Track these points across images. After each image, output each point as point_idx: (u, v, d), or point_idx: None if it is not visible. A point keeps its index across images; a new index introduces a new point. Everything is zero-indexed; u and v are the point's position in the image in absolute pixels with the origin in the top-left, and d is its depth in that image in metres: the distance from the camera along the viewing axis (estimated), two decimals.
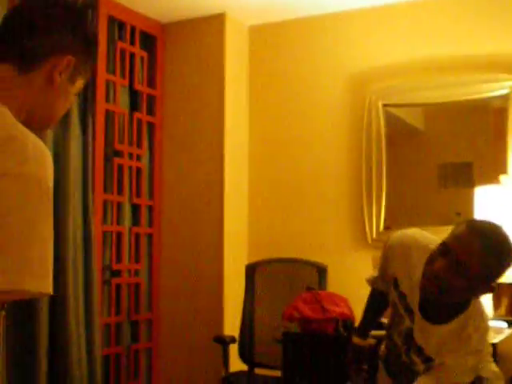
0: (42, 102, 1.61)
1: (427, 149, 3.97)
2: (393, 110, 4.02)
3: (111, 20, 3.98)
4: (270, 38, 4.35)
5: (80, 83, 1.68)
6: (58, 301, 3.50)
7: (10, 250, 1.35)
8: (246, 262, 4.05)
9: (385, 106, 3.97)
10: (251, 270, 3.92)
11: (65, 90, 1.64)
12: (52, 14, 1.61)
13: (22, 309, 3.37)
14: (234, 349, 3.76)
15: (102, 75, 3.88)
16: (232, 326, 3.99)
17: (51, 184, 1.43)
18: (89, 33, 1.67)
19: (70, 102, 1.69)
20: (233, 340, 3.75)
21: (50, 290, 1.43)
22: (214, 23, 4.20)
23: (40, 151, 1.42)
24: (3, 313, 1.65)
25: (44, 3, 1.64)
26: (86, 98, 3.80)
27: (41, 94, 1.60)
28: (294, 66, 4.26)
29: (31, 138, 1.42)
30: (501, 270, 2.22)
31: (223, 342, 3.72)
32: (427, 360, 2.39)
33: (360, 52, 4.06)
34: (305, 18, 4.23)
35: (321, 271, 3.77)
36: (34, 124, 1.61)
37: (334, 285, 3.72)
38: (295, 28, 4.27)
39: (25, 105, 1.58)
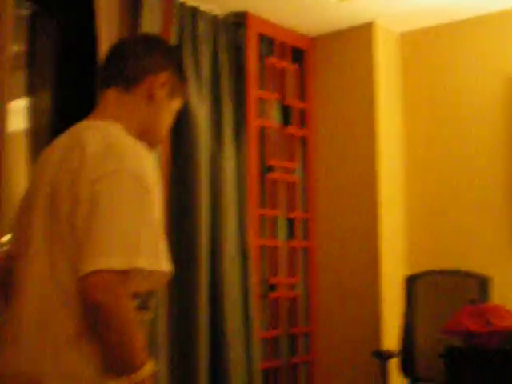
0: (146, 117, 1.79)
1: None
2: None
3: (260, 37, 4.04)
4: (422, 44, 4.24)
5: (179, 100, 1.87)
6: (216, 314, 3.55)
7: (119, 235, 1.50)
8: (404, 274, 3.94)
9: None
10: (411, 282, 3.80)
11: (166, 105, 1.83)
12: (149, 41, 1.87)
13: (182, 322, 3.45)
14: (392, 364, 3.66)
15: (254, 91, 3.93)
16: (390, 339, 3.88)
17: (149, 179, 1.60)
18: (181, 61, 1.91)
19: (172, 117, 1.88)
20: (392, 355, 3.65)
21: (164, 267, 1.56)
22: (364, 32, 4.15)
23: (136, 152, 1.62)
24: (149, 314, 1.70)
25: (133, 38, 2.02)
26: (239, 115, 3.86)
27: (144, 110, 1.78)
28: (450, 72, 4.13)
29: (130, 143, 1.63)
30: None
31: (382, 356, 3.63)
32: None
33: None
34: (459, 21, 4.08)
35: (483, 283, 3.59)
36: (145, 138, 1.78)
37: (497, 297, 3.54)
38: (449, 32, 4.14)
39: (131, 120, 1.76)
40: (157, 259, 1.54)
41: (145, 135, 1.78)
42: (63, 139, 1.71)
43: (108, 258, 1.48)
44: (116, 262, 1.48)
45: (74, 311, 1.51)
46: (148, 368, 1.53)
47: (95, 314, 1.47)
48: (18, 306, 1.58)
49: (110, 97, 1.77)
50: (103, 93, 1.80)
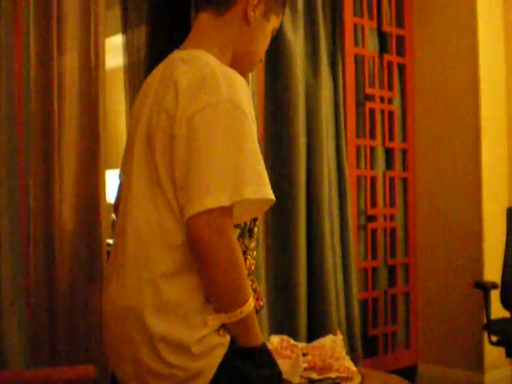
0: (241, 39, 1.74)
1: None
2: None
3: None
4: None
5: (274, 21, 1.80)
6: (315, 244, 3.57)
7: (221, 169, 1.49)
8: (507, 205, 3.83)
9: None
10: None
11: (261, 26, 1.76)
12: None
13: (282, 251, 3.50)
14: (495, 295, 3.60)
15: (350, 18, 3.84)
16: (493, 271, 3.81)
17: (246, 107, 1.56)
18: None
19: (268, 39, 1.80)
20: (494, 286, 3.58)
21: (268, 194, 1.54)
22: None
23: (231, 81, 1.57)
24: (253, 241, 1.72)
25: None
26: (335, 43, 3.80)
27: (239, 32, 1.73)
28: None
29: (222, 71, 1.58)
30: None
31: (484, 287, 3.58)
32: None
33: None
34: None
35: None
36: (240, 62, 1.76)
37: None
38: None
39: (226, 45, 1.73)
40: (261, 186, 1.53)
41: (240, 59, 1.77)
42: (157, 74, 1.69)
43: (214, 196, 1.48)
44: (223, 199, 1.48)
45: (172, 249, 1.54)
46: (250, 305, 1.55)
47: (204, 253, 1.49)
48: (121, 245, 1.63)
49: (203, 22, 1.74)
50: (196, 18, 1.77)
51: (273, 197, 1.55)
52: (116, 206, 1.83)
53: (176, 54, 1.70)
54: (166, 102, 1.57)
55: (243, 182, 1.50)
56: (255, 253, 1.79)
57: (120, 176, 1.82)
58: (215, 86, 1.54)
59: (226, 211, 1.50)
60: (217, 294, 1.53)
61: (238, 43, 1.75)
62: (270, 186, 1.55)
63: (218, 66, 1.59)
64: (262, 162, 1.56)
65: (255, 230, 1.77)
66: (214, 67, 1.58)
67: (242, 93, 1.58)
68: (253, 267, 1.76)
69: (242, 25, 1.74)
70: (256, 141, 1.57)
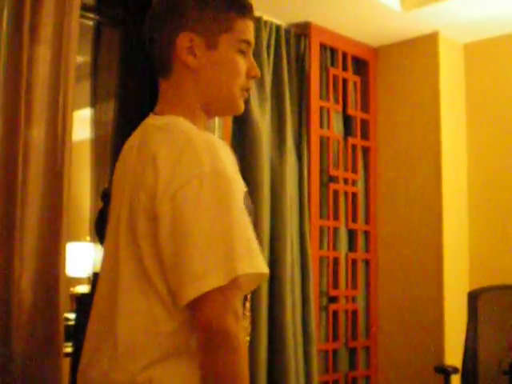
0: (203, 86, 1.60)
1: None
2: None
3: (323, 47, 4.03)
4: (487, 54, 4.16)
5: (238, 28, 1.60)
6: (276, 324, 3.54)
7: (211, 248, 1.40)
8: (468, 289, 3.85)
9: None
10: (474, 298, 3.71)
11: (213, 57, 1.59)
12: (163, 15, 1.63)
13: None
14: (455, 380, 3.57)
15: (316, 101, 3.92)
16: (454, 355, 3.80)
17: (228, 170, 1.45)
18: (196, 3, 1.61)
19: (236, 58, 1.62)
20: (455, 370, 3.56)
21: (262, 268, 1.46)
22: (427, 43, 4.09)
23: (209, 147, 1.46)
24: (246, 320, 1.66)
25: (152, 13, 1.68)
26: (301, 124, 3.86)
27: (194, 83, 1.59)
28: None
29: (199, 139, 1.47)
30: None
31: (445, 371, 3.55)
32: None
33: None
34: None
35: None
36: (222, 104, 1.64)
37: None
38: None
39: (190, 102, 1.61)
40: (254, 260, 1.44)
41: (219, 102, 1.64)
42: (136, 141, 1.60)
43: (207, 279, 1.39)
44: (217, 279, 1.39)
45: (160, 335, 1.47)
46: None
47: (212, 337, 1.41)
48: (105, 332, 1.54)
49: (162, 88, 1.65)
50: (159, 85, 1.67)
51: (266, 270, 1.47)
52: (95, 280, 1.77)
53: (150, 120, 1.62)
54: (144, 180, 1.47)
55: (235, 258, 1.41)
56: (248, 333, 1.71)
57: (104, 248, 1.73)
58: (195, 158, 1.44)
59: (224, 291, 1.40)
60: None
61: (202, 92, 1.62)
62: (262, 258, 1.47)
63: (195, 135, 1.48)
64: (250, 230, 1.48)
65: (247, 305, 1.69)
66: (192, 136, 1.48)
67: (224, 158, 1.47)
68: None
69: (191, 73, 1.60)
70: (242, 208, 1.48)
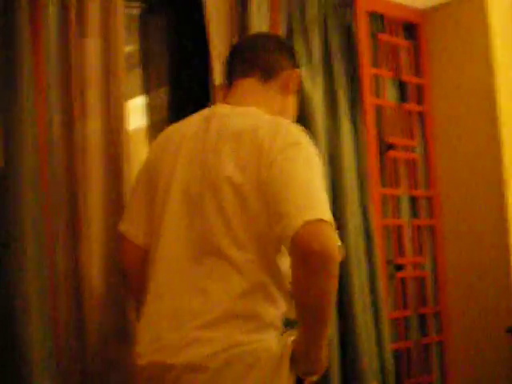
0: (280, 108, 1.96)
1: None
2: None
3: (370, 15, 3.98)
4: None
5: (297, 98, 2.05)
6: (344, 295, 3.54)
7: (318, 195, 1.66)
8: None
9: None
10: None
11: (293, 99, 2.02)
12: (279, 40, 2.11)
13: None
14: None
15: (368, 70, 3.88)
16: None
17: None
18: (297, 58, 2.11)
19: (295, 112, 2.06)
20: None
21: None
22: (477, 1, 3.99)
23: (300, 130, 1.79)
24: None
25: (261, 35, 2.26)
26: (354, 95, 3.82)
27: (279, 101, 1.96)
28: None
29: (289, 122, 1.83)
30: None
31: None
32: None
33: None
34: None
35: None
36: None
37: None
38: None
39: (268, 109, 1.89)
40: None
41: None
42: (198, 126, 1.82)
43: (322, 213, 1.61)
44: (329, 215, 1.63)
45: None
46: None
47: (319, 260, 1.57)
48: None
49: (247, 86, 1.95)
50: (238, 82, 1.97)
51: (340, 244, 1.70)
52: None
53: (225, 109, 1.84)
54: (241, 153, 1.69)
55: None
56: None
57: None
58: (291, 131, 1.75)
59: (330, 224, 1.62)
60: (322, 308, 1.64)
61: (277, 110, 1.93)
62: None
63: (287, 122, 1.84)
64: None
65: None
66: (283, 121, 1.82)
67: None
68: None
69: (281, 95, 1.97)
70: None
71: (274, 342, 1.69)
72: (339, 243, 1.68)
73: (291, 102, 2.00)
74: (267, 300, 1.69)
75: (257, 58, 1.96)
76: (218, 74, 3.00)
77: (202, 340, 1.63)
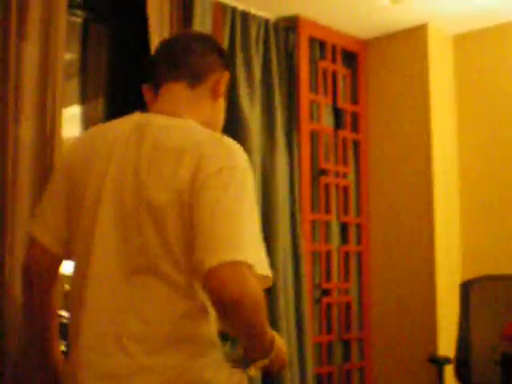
0: (209, 114, 1.84)
1: None
2: None
3: (312, 40, 4.03)
4: (475, 45, 4.16)
5: (225, 101, 1.92)
6: (270, 319, 3.54)
7: (244, 232, 1.54)
8: (460, 279, 3.87)
9: None
10: (467, 288, 3.72)
11: (221, 102, 1.88)
12: (208, 40, 1.91)
13: None
14: (449, 369, 3.59)
15: (306, 95, 3.92)
16: (447, 345, 3.81)
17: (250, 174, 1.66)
18: (227, 57, 1.95)
19: (223, 116, 1.92)
20: (448, 360, 3.57)
21: (268, 271, 1.66)
22: (416, 35, 4.10)
23: (236, 146, 1.68)
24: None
25: (190, 35, 1.97)
26: (291, 118, 3.85)
27: (209, 107, 1.84)
28: (505, 74, 4.04)
29: (227, 139, 1.69)
30: None
31: (438, 362, 3.56)
32: None
33: None
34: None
35: None
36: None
37: None
38: (502, 33, 4.05)
39: (198, 117, 1.79)
40: (264, 263, 1.62)
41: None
42: (128, 135, 1.72)
43: (241, 252, 1.50)
44: (251, 254, 1.53)
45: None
46: (276, 345, 1.71)
47: (229, 309, 1.50)
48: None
49: (177, 92, 1.80)
50: (166, 86, 1.82)
51: (270, 275, 1.67)
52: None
53: (161, 120, 1.74)
54: (179, 171, 1.59)
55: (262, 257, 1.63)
56: None
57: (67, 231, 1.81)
58: (227, 152, 1.64)
59: (250, 268, 1.52)
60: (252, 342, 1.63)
61: (207, 117, 1.82)
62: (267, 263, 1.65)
63: (226, 138, 1.70)
64: (259, 234, 1.69)
65: None
66: (223, 138, 1.69)
67: (246, 160, 1.68)
68: None
69: (208, 99, 1.84)
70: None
71: (223, 374, 1.66)
72: (267, 273, 1.64)
73: (221, 106, 1.88)
74: (205, 319, 1.64)
75: (186, 61, 1.82)
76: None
77: (151, 368, 1.56)
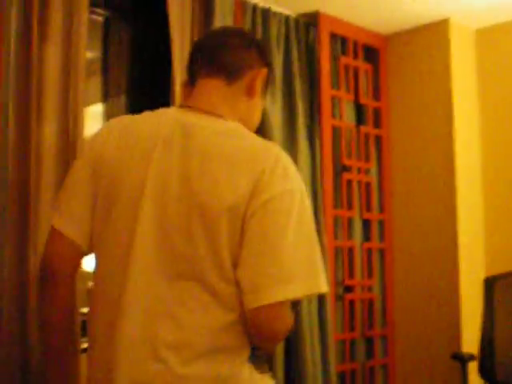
0: (245, 112, 1.79)
1: None
2: None
3: (333, 36, 4.01)
4: (498, 40, 4.12)
5: (263, 100, 1.87)
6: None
7: (301, 259, 1.54)
8: (483, 275, 3.84)
9: None
10: (490, 284, 3.69)
11: (260, 101, 1.83)
12: (245, 36, 1.86)
13: None
14: (472, 366, 3.57)
15: (327, 91, 3.91)
16: (470, 342, 3.79)
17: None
18: (266, 53, 1.88)
19: (260, 115, 1.87)
20: (472, 357, 3.55)
21: (322, 288, 1.58)
22: (438, 30, 4.06)
23: (292, 165, 1.65)
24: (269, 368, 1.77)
25: (227, 30, 1.95)
26: (312, 115, 3.84)
27: (244, 105, 1.79)
28: None
29: (284, 156, 1.66)
30: None
31: (462, 359, 3.54)
32: None
33: None
34: None
35: None
36: None
37: None
38: None
39: (236, 114, 1.75)
40: (323, 280, 1.59)
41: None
42: (177, 137, 1.64)
43: (290, 286, 1.51)
44: (299, 290, 1.53)
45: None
46: None
47: (268, 339, 1.61)
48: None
49: (212, 88, 1.76)
50: (202, 82, 1.78)
51: (324, 289, 1.60)
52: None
53: (204, 121, 1.69)
54: (238, 181, 1.55)
55: (318, 274, 1.56)
56: None
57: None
58: (289, 172, 1.60)
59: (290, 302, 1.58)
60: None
61: (242, 115, 1.78)
62: (323, 276, 1.60)
63: (281, 151, 1.66)
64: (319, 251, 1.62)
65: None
66: (279, 152, 1.65)
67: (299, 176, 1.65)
68: None
69: (245, 97, 1.79)
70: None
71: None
72: (326, 290, 1.61)
73: (256, 104, 1.82)
74: (243, 332, 1.60)
75: (223, 56, 1.76)
76: (179, 84, 3.00)
77: (187, 377, 1.53)
